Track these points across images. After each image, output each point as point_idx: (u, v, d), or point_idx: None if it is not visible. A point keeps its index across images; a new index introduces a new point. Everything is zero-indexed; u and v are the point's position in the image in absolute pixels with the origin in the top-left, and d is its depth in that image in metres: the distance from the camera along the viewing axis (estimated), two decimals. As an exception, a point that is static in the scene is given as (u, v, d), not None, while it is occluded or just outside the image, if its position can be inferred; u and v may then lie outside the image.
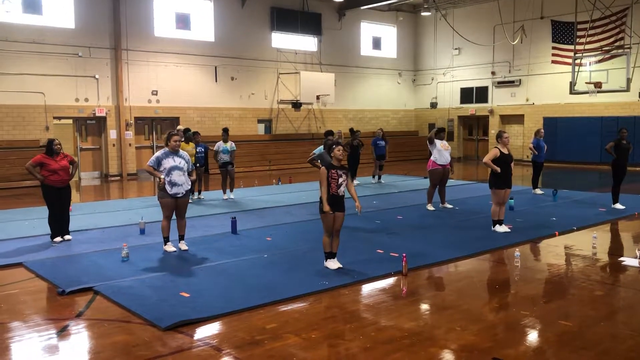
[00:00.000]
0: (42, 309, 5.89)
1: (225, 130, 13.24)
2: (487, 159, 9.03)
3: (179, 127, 14.42)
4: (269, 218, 10.75)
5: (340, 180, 6.78)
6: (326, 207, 6.70)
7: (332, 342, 4.93)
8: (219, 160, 13.04)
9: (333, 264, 6.96)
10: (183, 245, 8.14)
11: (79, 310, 5.68)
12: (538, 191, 13.67)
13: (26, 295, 6.28)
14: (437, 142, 11.41)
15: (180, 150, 8.08)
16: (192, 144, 12.68)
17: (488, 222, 9.47)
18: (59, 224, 8.77)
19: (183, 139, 12.63)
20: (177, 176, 7.85)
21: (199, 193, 13.48)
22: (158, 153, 7.97)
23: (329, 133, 12.81)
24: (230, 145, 13.11)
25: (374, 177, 16.76)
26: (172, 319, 5.26)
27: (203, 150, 13.35)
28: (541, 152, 13.61)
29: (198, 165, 12.95)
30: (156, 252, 7.96)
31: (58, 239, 8.69)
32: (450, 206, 11.66)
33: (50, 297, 6.18)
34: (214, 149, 13.15)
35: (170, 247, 8.03)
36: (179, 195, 7.92)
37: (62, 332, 5.14)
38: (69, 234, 8.93)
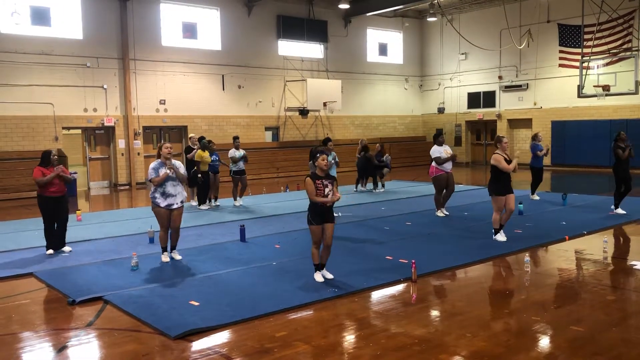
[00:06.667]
0: (52, 318, 5.90)
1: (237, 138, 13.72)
2: (505, 165, 8.57)
3: (192, 135, 14.39)
4: (277, 225, 10.75)
5: (327, 190, 6.56)
6: (322, 199, 6.48)
7: (342, 349, 4.92)
8: (239, 167, 13.35)
9: (319, 276, 6.76)
10: (176, 255, 8.07)
11: (89, 319, 5.70)
12: (536, 197, 13.37)
13: (37, 305, 6.32)
14: (439, 149, 11.18)
15: (172, 160, 7.92)
16: (207, 152, 12.92)
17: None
18: (56, 236, 8.63)
19: (197, 147, 12.98)
20: (171, 187, 7.77)
21: (215, 200, 13.67)
22: (153, 164, 7.81)
23: (327, 140, 12.18)
24: (243, 152, 13.51)
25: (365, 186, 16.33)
26: (182, 327, 5.26)
27: (217, 158, 13.50)
28: (540, 157, 13.23)
29: (212, 172, 13.20)
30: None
31: (50, 251, 8.56)
32: (446, 213, 11.40)
33: (60, 307, 6.20)
34: (233, 155, 13.30)
35: (166, 257, 7.95)
36: (173, 207, 7.82)
37: (73, 342, 5.15)
38: (65, 245, 8.78)
